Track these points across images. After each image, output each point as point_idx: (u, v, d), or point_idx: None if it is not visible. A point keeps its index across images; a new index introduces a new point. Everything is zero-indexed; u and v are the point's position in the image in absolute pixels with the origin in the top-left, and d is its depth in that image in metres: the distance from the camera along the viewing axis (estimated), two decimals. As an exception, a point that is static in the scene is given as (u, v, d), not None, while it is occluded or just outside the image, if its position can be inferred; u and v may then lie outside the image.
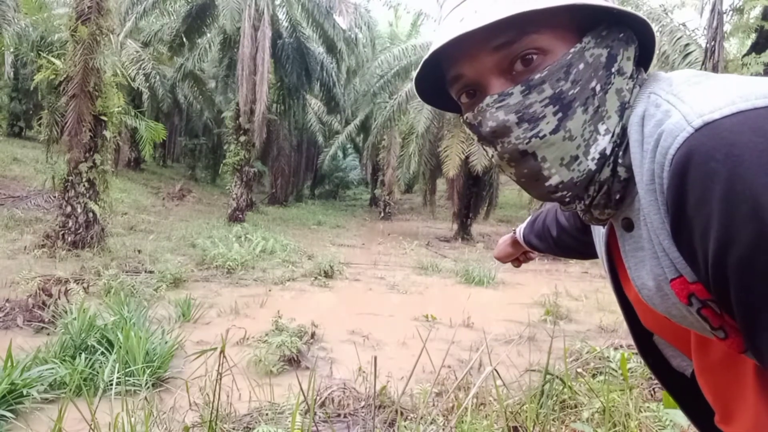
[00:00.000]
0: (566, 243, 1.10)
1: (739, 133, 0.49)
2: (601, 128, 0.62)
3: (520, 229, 1.25)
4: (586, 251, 1.01)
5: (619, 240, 0.66)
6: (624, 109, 0.64)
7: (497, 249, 1.34)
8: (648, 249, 0.61)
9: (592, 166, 0.63)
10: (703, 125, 0.51)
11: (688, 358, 0.74)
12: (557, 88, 0.61)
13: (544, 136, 0.61)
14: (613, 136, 0.63)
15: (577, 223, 1.04)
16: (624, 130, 0.63)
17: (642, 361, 0.80)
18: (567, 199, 0.66)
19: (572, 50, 0.61)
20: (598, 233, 0.79)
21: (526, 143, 0.62)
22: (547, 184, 0.64)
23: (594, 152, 0.62)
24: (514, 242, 1.29)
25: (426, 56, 0.64)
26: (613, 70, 0.62)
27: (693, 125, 0.52)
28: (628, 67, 0.64)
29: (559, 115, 0.61)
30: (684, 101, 0.55)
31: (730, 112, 0.50)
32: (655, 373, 0.79)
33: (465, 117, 0.67)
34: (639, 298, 0.68)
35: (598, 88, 0.61)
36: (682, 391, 0.76)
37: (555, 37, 0.62)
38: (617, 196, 0.65)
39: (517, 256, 1.32)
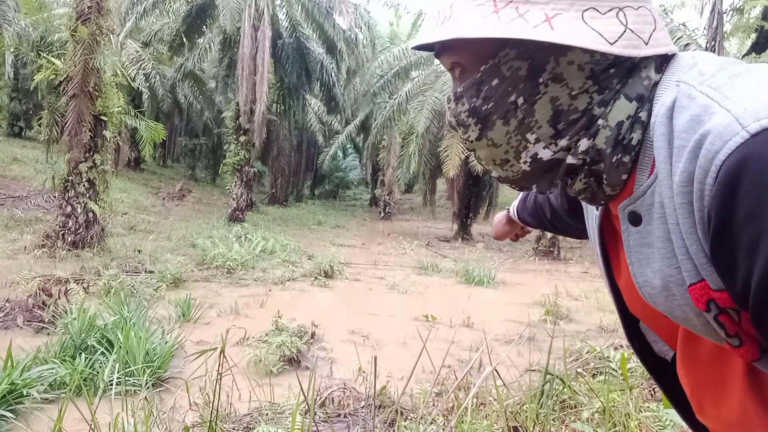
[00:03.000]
0: (560, 224, 1.09)
1: None
2: (531, 137, 0.63)
3: (514, 206, 1.24)
4: (580, 233, 0.96)
5: (623, 233, 0.63)
6: (587, 112, 0.61)
7: (494, 228, 1.36)
8: (660, 247, 0.58)
9: (526, 168, 0.65)
10: (761, 131, 0.47)
11: (668, 344, 0.74)
12: (471, 103, 0.64)
13: (473, 141, 0.66)
14: (549, 147, 0.63)
15: (565, 205, 1.01)
16: (576, 143, 0.62)
17: (629, 345, 0.81)
18: (516, 188, 0.70)
19: (483, 68, 0.62)
20: (591, 216, 0.76)
21: (465, 144, 0.69)
22: (492, 174, 0.70)
23: (525, 157, 0.64)
24: (510, 220, 1.29)
25: (413, 45, 0.72)
26: (541, 80, 0.60)
27: (749, 130, 0.47)
28: (572, 72, 0.59)
29: (480, 125, 0.64)
30: (730, 98, 0.51)
31: None
32: (641, 357, 0.80)
33: None
34: (629, 284, 0.67)
35: (520, 101, 0.61)
36: (664, 375, 0.77)
37: (472, 56, 0.64)
38: (603, 200, 0.66)
39: (515, 232, 1.32)
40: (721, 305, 0.55)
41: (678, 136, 0.54)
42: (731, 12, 10.39)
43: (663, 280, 0.58)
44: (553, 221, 1.10)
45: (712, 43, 8.63)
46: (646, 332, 0.77)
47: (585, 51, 0.59)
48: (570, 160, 0.63)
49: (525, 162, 0.64)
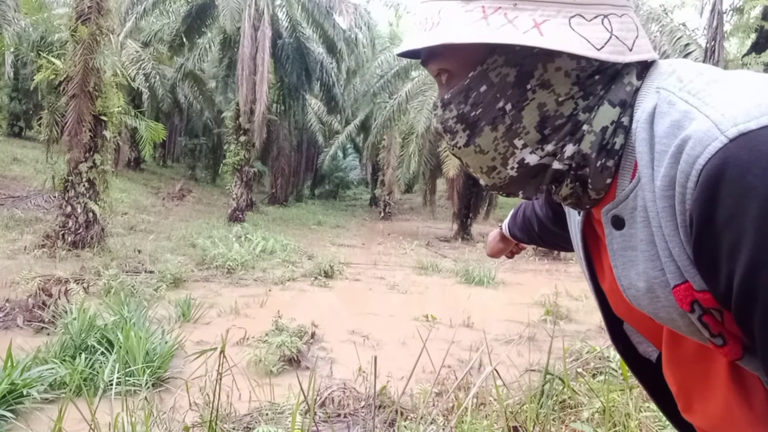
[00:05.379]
0: (548, 237, 1.09)
1: None
2: (518, 143, 0.63)
3: (506, 223, 1.24)
4: (567, 244, 0.94)
5: (607, 237, 0.64)
6: (572, 118, 0.61)
7: (488, 246, 1.35)
8: (643, 250, 0.59)
9: (513, 173, 0.66)
10: (738, 135, 0.48)
11: (653, 345, 0.75)
12: (460, 109, 0.65)
13: (460, 147, 0.67)
14: (535, 152, 0.63)
15: (549, 213, 1.03)
16: (562, 149, 0.62)
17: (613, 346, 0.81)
18: (503, 194, 0.71)
19: (471, 74, 0.63)
20: (574, 220, 0.77)
21: (452, 150, 0.69)
22: (480, 182, 0.71)
23: (513, 163, 0.65)
24: (503, 237, 1.28)
25: (398, 51, 0.70)
26: (529, 86, 0.61)
27: (727, 135, 0.48)
28: (559, 78, 0.60)
29: (468, 132, 0.65)
30: (709, 104, 0.52)
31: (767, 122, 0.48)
32: (625, 358, 0.80)
33: None
34: (613, 287, 0.68)
35: (508, 107, 0.62)
36: (649, 376, 0.78)
37: (460, 62, 0.64)
38: (589, 204, 0.66)
39: (510, 249, 1.32)
40: (704, 306, 0.56)
41: (659, 141, 0.55)
42: (731, 12, 10.40)
43: (647, 283, 0.59)
44: (541, 233, 1.10)
45: (712, 43, 8.63)
46: (631, 334, 0.78)
47: (572, 57, 0.60)
48: (556, 165, 0.64)
49: (512, 168, 0.65)
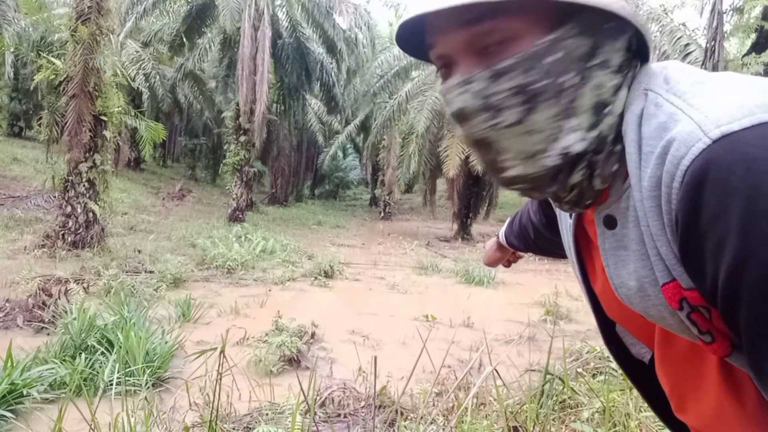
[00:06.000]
0: (544, 243, 1.10)
1: (762, 147, 0.47)
2: (567, 125, 0.58)
3: (502, 232, 1.25)
4: (563, 250, 0.88)
5: (599, 237, 0.65)
6: (602, 108, 0.59)
7: (486, 255, 1.34)
8: (635, 249, 0.60)
9: (551, 162, 0.59)
10: (721, 137, 0.49)
11: (646, 346, 0.76)
12: (526, 78, 0.57)
13: (504, 127, 0.58)
14: (584, 138, 0.59)
15: (543, 219, 1.04)
16: (600, 133, 0.60)
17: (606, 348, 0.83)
18: (524, 192, 0.65)
19: (547, 38, 0.56)
20: (565, 223, 0.78)
21: (485, 133, 0.60)
22: (503, 175, 0.62)
23: (556, 149, 0.59)
24: (500, 246, 1.29)
25: (402, 20, 0.63)
26: (593, 63, 0.58)
27: (710, 136, 0.49)
28: (615, 60, 0.59)
29: (525, 106, 0.57)
30: (693, 106, 0.53)
31: (750, 123, 0.48)
32: (618, 360, 0.82)
33: (440, 90, 0.65)
34: (605, 289, 0.68)
35: (573, 81, 0.57)
36: (642, 377, 0.79)
37: (529, 23, 0.57)
38: (590, 199, 0.65)
39: (507, 257, 1.32)
40: (692, 303, 0.57)
41: (646, 143, 0.56)
42: (731, 12, 10.39)
43: (638, 281, 0.60)
44: (537, 240, 1.11)
45: (712, 43, 8.63)
46: (623, 335, 0.79)
47: (628, 38, 0.61)
48: (579, 147, 0.60)
49: (552, 156, 0.59)
